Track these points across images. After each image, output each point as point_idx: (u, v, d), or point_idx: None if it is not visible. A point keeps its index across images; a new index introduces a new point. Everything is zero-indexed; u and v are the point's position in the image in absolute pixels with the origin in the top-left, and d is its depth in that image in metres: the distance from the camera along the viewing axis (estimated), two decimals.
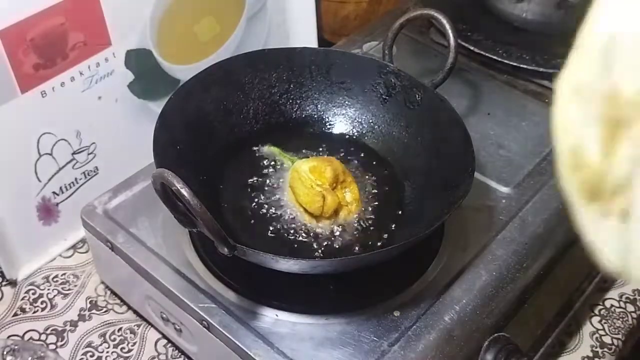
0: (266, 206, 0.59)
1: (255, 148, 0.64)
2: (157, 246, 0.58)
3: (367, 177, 0.62)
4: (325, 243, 0.56)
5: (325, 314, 0.53)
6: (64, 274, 0.66)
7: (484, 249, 0.58)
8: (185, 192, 0.44)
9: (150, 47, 0.68)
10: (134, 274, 0.57)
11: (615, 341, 0.65)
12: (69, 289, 0.65)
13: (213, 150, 0.61)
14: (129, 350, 0.60)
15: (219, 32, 0.75)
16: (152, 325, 0.62)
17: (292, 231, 0.57)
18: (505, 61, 0.75)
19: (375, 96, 0.65)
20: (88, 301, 0.64)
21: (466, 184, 0.53)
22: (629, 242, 0.21)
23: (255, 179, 0.61)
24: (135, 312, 0.63)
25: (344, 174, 0.59)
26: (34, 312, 0.63)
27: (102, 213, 0.60)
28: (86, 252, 0.67)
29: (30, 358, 0.53)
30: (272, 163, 0.63)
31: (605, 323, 0.67)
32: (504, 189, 0.63)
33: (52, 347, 0.60)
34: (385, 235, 0.57)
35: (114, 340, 0.61)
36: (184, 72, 0.71)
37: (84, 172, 0.67)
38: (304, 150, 0.64)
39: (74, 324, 0.62)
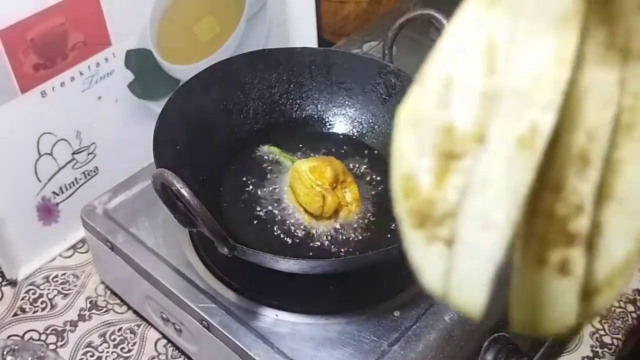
0: (266, 206, 0.59)
1: (255, 148, 0.64)
2: (157, 246, 0.58)
3: (367, 177, 0.62)
4: (326, 243, 0.56)
5: (325, 314, 0.53)
6: (64, 274, 0.66)
7: None
8: (185, 192, 0.44)
9: (150, 47, 0.68)
10: (134, 274, 0.57)
11: (615, 341, 0.65)
12: (69, 289, 0.65)
13: (213, 150, 0.61)
14: (129, 350, 0.60)
15: (219, 32, 0.75)
16: (152, 325, 0.62)
17: (292, 231, 0.57)
18: None
19: (375, 96, 0.65)
20: (88, 301, 0.64)
21: None
22: (450, 268, 0.23)
23: (255, 179, 0.61)
24: (135, 312, 0.63)
25: (344, 174, 0.59)
26: (34, 312, 0.63)
27: (102, 213, 0.60)
28: (86, 252, 0.67)
29: (30, 358, 0.53)
30: (272, 163, 0.63)
31: (605, 323, 0.67)
32: None
33: (52, 347, 0.60)
34: (386, 235, 0.57)
35: (114, 340, 0.61)
36: (184, 72, 0.71)
37: (84, 172, 0.67)
38: (304, 150, 0.64)
39: (74, 324, 0.62)
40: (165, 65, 0.71)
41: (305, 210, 0.57)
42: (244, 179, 0.61)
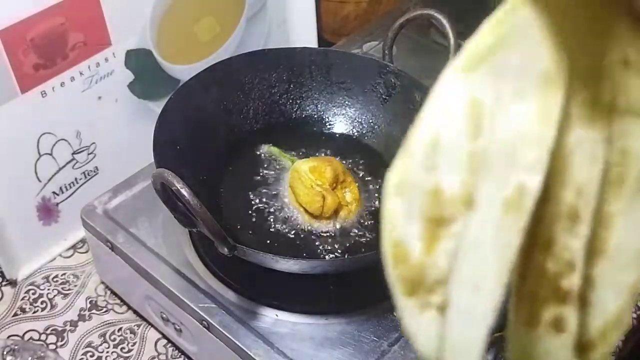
0: (266, 206, 0.59)
1: (255, 148, 0.64)
2: (157, 246, 0.58)
3: (367, 177, 0.62)
4: (326, 243, 0.56)
5: (325, 314, 0.53)
6: (64, 274, 0.66)
7: None
8: (185, 192, 0.44)
9: (150, 47, 0.68)
10: (134, 274, 0.57)
11: None
12: (69, 289, 0.65)
13: (213, 150, 0.61)
14: (129, 350, 0.60)
15: (219, 32, 0.75)
16: (152, 325, 0.62)
17: (292, 231, 0.57)
18: None
19: (375, 96, 0.65)
20: (88, 301, 0.64)
21: None
22: (443, 334, 0.23)
23: (255, 179, 0.61)
24: (135, 312, 0.63)
25: (344, 174, 0.59)
26: (34, 312, 0.63)
27: (102, 213, 0.60)
28: (86, 252, 0.67)
29: (30, 358, 0.53)
30: (272, 163, 0.63)
31: None
32: None
33: (52, 347, 0.60)
34: None
35: (114, 340, 0.61)
36: (184, 72, 0.71)
37: (84, 172, 0.67)
38: (304, 150, 0.64)
39: (74, 324, 0.62)
40: (165, 65, 0.71)
41: (305, 210, 0.57)
42: (244, 179, 0.61)
